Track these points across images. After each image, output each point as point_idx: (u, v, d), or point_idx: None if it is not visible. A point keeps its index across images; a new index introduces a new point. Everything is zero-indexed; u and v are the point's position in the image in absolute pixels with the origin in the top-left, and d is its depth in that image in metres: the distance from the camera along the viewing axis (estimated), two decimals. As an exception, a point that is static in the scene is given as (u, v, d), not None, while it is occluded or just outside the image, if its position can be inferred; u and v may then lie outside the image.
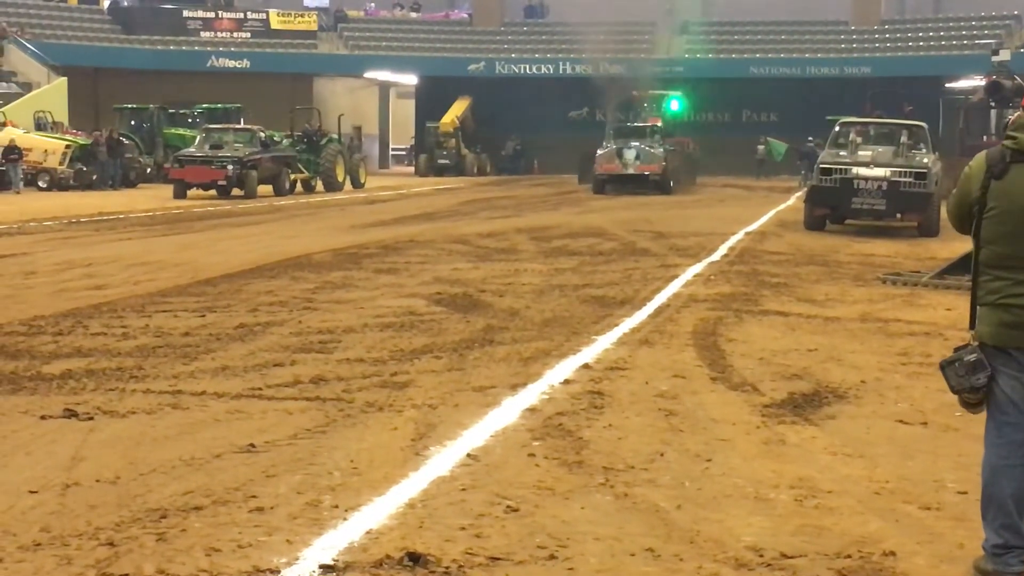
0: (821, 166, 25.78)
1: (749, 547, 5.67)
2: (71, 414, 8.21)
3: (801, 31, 70.08)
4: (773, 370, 10.03)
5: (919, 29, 69.93)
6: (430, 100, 65.44)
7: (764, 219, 29.53)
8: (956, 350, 5.27)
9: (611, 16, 69.53)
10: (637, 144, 43.29)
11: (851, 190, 24.82)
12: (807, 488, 6.64)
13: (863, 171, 24.83)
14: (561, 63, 64.14)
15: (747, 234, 24.52)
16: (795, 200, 35.21)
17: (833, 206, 25.49)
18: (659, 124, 48.58)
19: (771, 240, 23.23)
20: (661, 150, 43.51)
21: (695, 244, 21.65)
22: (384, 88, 72.15)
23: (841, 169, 25.08)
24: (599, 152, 43.87)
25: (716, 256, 19.58)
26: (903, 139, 26.18)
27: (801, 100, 58.33)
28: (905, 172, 24.73)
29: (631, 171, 42.46)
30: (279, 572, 5.24)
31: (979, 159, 5.33)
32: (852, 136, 26.70)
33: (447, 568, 5.34)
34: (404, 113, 73.00)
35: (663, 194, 41.37)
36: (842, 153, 26.03)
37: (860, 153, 25.78)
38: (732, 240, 22.74)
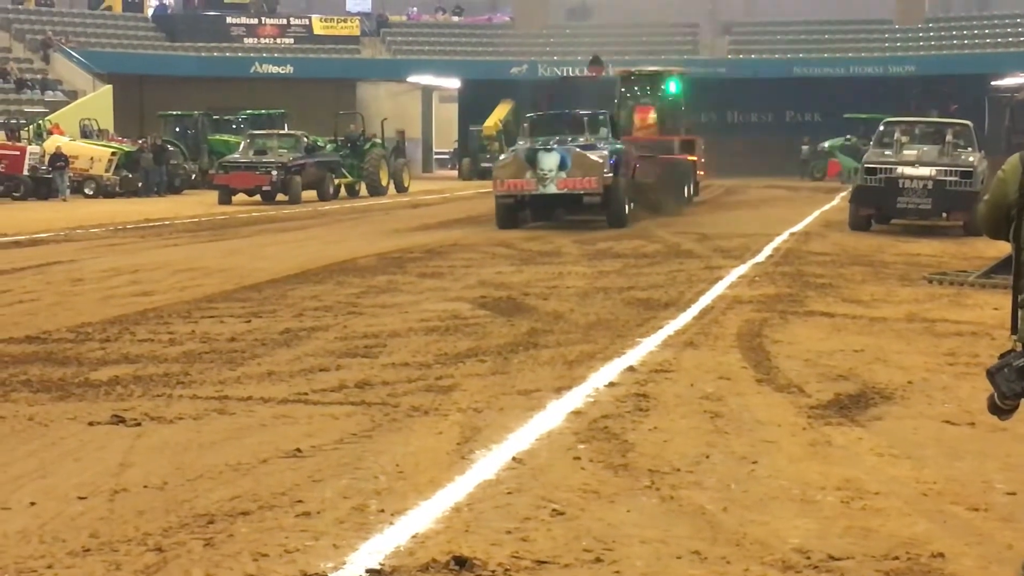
0: (866, 166, 25.66)
1: (796, 549, 5.65)
2: (119, 420, 8.26)
3: (844, 30, 69.87)
4: (819, 371, 9.99)
5: (964, 27, 69.65)
6: (473, 103, 65.41)
7: (809, 220, 29.41)
8: (1001, 356, 5.20)
9: (654, 17, 69.63)
10: (562, 146, 26.29)
11: (896, 190, 24.68)
12: (854, 490, 6.61)
13: (908, 170, 24.69)
14: (615, 64, 64.11)
15: (792, 235, 24.42)
16: (840, 200, 35.03)
17: (878, 206, 25.36)
18: (651, 113, 40.45)
19: (816, 241, 23.14)
20: (606, 152, 26.21)
21: (739, 245, 21.58)
22: (427, 92, 72.27)
23: (886, 169, 24.95)
24: (499, 159, 28.88)
25: (761, 257, 19.51)
26: (948, 138, 25.97)
27: (845, 100, 57.99)
28: (950, 171, 24.57)
29: (551, 189, 25.64)
30: (324, 576, 5.27)
31: (1013, 162, 5.24)
32: (897, 135, 26.52)
33: (493, 572, 5.34)
34: (447, 117, 73.12)
35: (614, 225, 26.03)
36: (887, 152, 25.88)
37: (905, 152, 25.62)
38: (777, 241, 22.66)
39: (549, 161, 25.84)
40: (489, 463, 7.12)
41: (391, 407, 8.66)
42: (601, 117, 28.90)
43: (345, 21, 71.69)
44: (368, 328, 12.21)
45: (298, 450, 7.42)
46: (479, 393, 9.12)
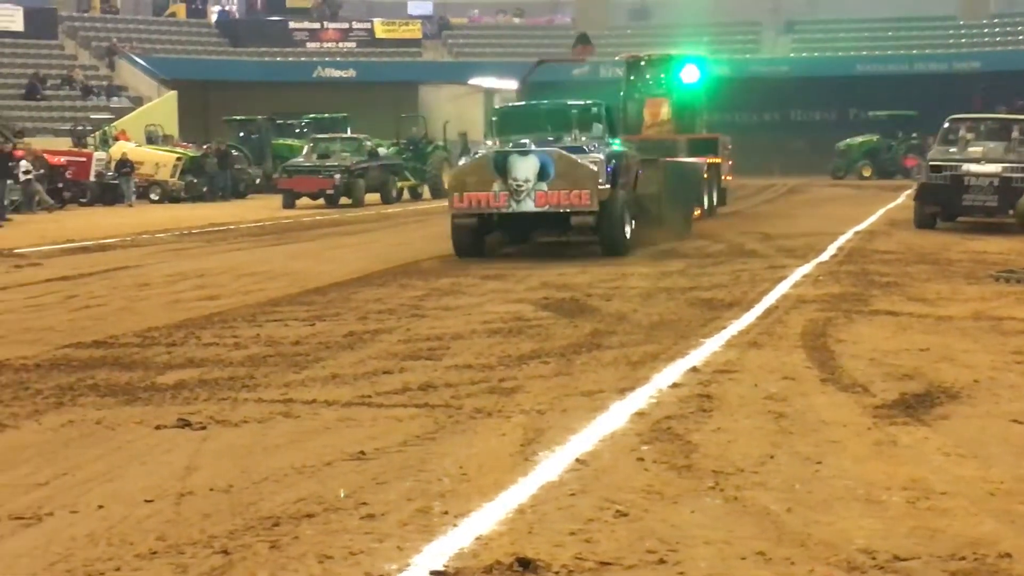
0: (931, 163, 25.49)
1: (861, 549, 5.62)
2: (185, 424, 8.32)
3: (908, 27, 69.41)
4: (884, 370, 9.92)
5: (1030, 22, 68.94)
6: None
7: (874, 218, 29.23)
8: None
9: (715, 16, 69.39)
10: (543, 147, 19.87)
11: (962, 187, 24.50)
12: (920, 489, 6.57)
13: (974, 168, 24.50)
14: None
15: (856, 233, 24.27)
16: (905, 199, 34.78)
17: (943, 204, 25.17)
18: (665, 106, 32.83)
19: (881, 239, 22.99)
20: (602, 156, 19.77)
21: (803, 245, 21.46)
22: (488, 94, 72.34)
23: (951, 166, 24.77)
24: (459, 164, 23.70)
25: (825, 256, 19.40)
26: (1015, 134, 25.74)
27: (909, 97, 57.56)
28: (1017, 168, 24.36)
29: (527, 206, 19.36)
30: (389, 578, 5.28)
31: None
32: (962, 132, 26.32)
33: (556, 573, 5.34)
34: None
35: (611, 253, 19.92)
36: (952, 150, 25.69)
37: (970, 149, 25.41)
38: (841, 240, 22.52)
39: (524, 168, 19.12)
40: (552, 465, 7.12)
41: (454, 409, 8.68)
42: (595, 109, 21.59)
43: (407, 24, 71.91)
44: (431, 330, 12.24)
45: (362, 452, 7.45)
46: (542, 395, 9.12)
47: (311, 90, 63.19)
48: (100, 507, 6.42)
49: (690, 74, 33.00)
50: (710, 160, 30.45)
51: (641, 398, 8.93)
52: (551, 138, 20.62)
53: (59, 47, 62.14)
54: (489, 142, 21.42)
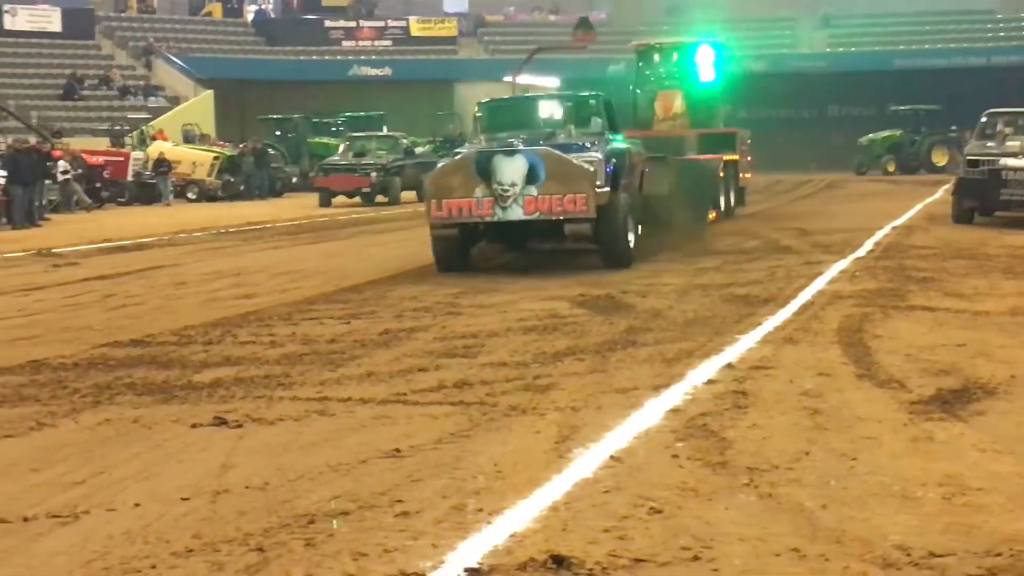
0: (968, 158, 25.35)
1: (896, 546, 5.60)
2: (221, 422, 8.36)
3: (946, 21, 69.10)
4: (920, 366, 9.87)
5: (1070, 14, 68.54)
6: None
7: (911, 213, 29.09)
8: None
9: (751, 11, 69.22)
10: (532, 146, 17.55)
11: (999, 181, 24.34)
12: (956, 485, 6.54)
13: (1011, 162, 24.32)
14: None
15: (893, 228, 24.16)
16: (943, 193, 34.61)
17: (981, 198, 25.01)
18: (678, 99, 30.13)
19: (918, 234, 22.88)
20: (599, 155, 17.47)
21: (840, 240, 21.38)
22: (524, 91, 72.36)
23: (989, 160, 24.63)
24: (437, 167, 18.33)
25: (861, 252, 19.32)
26: (1054, 128, 25.59)
27: (947, 91, 57.23)
28: (1056, 162, 24.18)
29: (514, 213, 17.16)
30: (420, 574, 5.29)
31: None
32: (1000, 126, 26.15)
33: (591, 570, 5.34)
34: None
35: (612, 264, 17.79)
36: (989, 144, 25.52)
37: (1008, 143, 25.22)
38: (878, 235, 22.40)
39: (511, 170, 16.90)
40: (587, 462, 7.12)
41: (489, 406, 8.68)
42: (593, 102, 19.53)
43: (442, 22, 72.03)
44: (467, 328, 12.25)
45: (397, 450, 7.47)
46: (577, 392, 9.12)
47: (347, 88, 63.33)
48: (136, 505, 6.46)
49: (705, 62, 30.12)
50: (727, 157, 28.26)
51: (676, 395, 8.92)
52: (543, 135, 18.42)
53: (96, 47, 62.47)
54: (473, 141, 19.12)
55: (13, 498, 6.66)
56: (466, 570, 5.36)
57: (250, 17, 72.81)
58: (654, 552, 5.57)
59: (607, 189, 17.09)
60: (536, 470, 6.95)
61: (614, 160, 17.76)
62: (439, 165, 18.10)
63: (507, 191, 16.92)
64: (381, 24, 71.33)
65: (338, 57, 68.37)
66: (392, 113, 54.01)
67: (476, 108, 19.99)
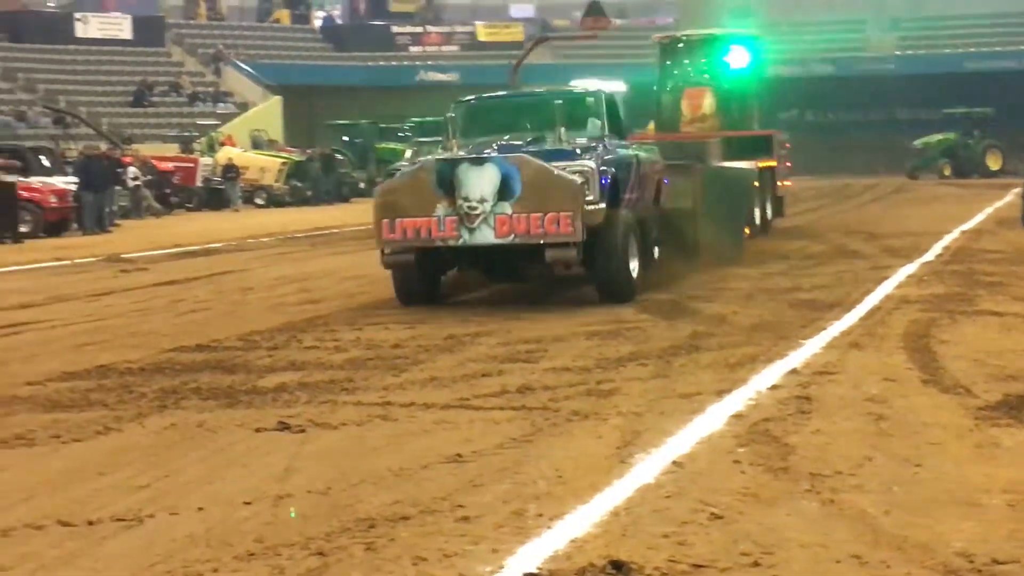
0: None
1: (959, 553, 5.55)
2: (284, 427, 8.41)
3: (1018, 22, 68.34)
4: (987, 371, 9.78)
5: None
6: (638, 107, 65.29)
7: (980, 217, 28.80)
8: None
9: (820, 14, 68.85)
10: (501, 156, 14.40)
11: None
12: (1021, 492, 6.46)
13: None
14: (772, 64, 63.34)
15: (962, 232, 23.94)
16: (1013, 197, 34.24)
17: (1050, 202, 24.65)
18: (708, 97, 26.99)
19: (987, 238, 22.65)
20: (591, 166, 14.28)
21: (908, 244, 21.21)
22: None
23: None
24: (390, 179, 15.58)
25: (930, 256, 19.16)
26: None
27: (1020, 94, 56.53)
28: None
29: (483, 236, 13.97)
30: (482, 580, 5.31)
31: None
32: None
33: (650, 576, 5.34)
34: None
35: (609, 298, 14.52)
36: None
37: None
38: (947, 239, 22.21)
39: (479, 182, 13.88)
40: (648, 467, 7.11)
41: (552, 411, 8.68)
42: (590, 100, 16.58)
43: (509, 27, 72.11)
44: (530, 333, 12.26)
45: (459, 455, 7.48)
46: (639, 397, 9.11)
47: (414, 94, 63.46)
48: (200, 509, 6.51)
49: (738, 57, 26.80)
50: (762, 163, 24.80)
51: (739, 400, 8.89)
52: (527, 141, 15.34)
53: (166, 54, 63.01)
54: (446, 148, 15.59)
55: (79, 501, 6.73)
56: (526, 575, 5.36)
57: (318, 23, 73.24)
58: (714, 558, 5.54)
59: (601, 206, 14.07)
60: (597, 475, 6.94)
61: (612, 170, 14.69)
62: (397, 174, 15.12)
63: (475, 208, 13.80)
64: (448, 30, 71.55)
65: (405, 63, 68.61)
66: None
67: (451, 108, 16.45)
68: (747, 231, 21.94)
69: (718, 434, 7.92)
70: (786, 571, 5.40)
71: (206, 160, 44.14)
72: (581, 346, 11.46)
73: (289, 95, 58.98)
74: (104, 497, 6.82)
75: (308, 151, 49.01)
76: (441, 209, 13.91)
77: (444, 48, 70.46)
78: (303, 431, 8.31)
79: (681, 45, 28.27)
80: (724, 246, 18.95)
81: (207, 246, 25.81)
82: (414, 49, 70.29)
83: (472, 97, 17.48)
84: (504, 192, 13.78)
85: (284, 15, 71.37)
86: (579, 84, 18.93)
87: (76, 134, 45.17)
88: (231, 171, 42.75)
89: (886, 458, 7.25)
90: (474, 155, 14.39)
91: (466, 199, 13.83)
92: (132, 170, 37.06)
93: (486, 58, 68.67)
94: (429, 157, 15.49)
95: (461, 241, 14.00)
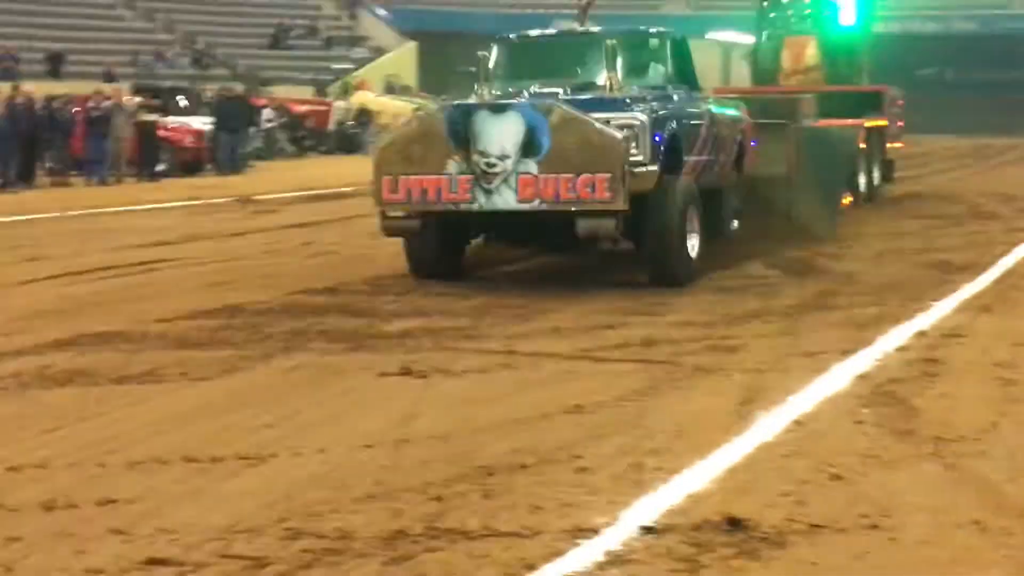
0: None
1: (1084, 523, 5.45)
2: (407, 372, 8.47)
3: None
4: (1122, 338, 9.59)
5: None
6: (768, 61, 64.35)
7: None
8: None
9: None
10: (527, 103, 12.36)
11: None
12: None
13: None
14: (909, 20, 62.17)
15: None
16: None
17: None
18: (811, 47, 24.15)
19: None
20: (641, 119, 12.08)
21: (1047, 206, 20.78)
22: (726, 48, 71.54)
23: None
24: (395, 132, 13.79)
25: (1068, 219, 18.77)
26: None
27: None
28: None
29: (503, 200, 11.83)
30: (599, 532, 5.30)
31: None
32: None
33: (766, 534, 5.29)
34: (744, 75, 72.20)
35: (660, 280, 12.28)
36: None
37: None
38: (1087, 202, 21.73)
39: (500, 135, 11.85)
40: (769, 425, 7.07)
41: (674, 366, 8.66)
42: (653, 42, 14.27)
43: (643, -23, 71.57)
44: (657, 285, 12.18)
45: (579, 406, 7.49)
46: (763, 354, 9.06)
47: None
48: (321, 450, 6.60)
49: (847, 3, 24.06)
50: (870, 123, 21.99)
51: (865, 360, 8.79)
52: (573, 87, 13.13)
53: (304, -2, 63.42)
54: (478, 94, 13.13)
55: (204, 438, 6.85)
56: (641, 528, 5.36)
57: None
58: (832, 518, 5.49)
59: (652, 169, 12.03)
60: (717, 431, 6.91)
61: (672, 126, 12.68)
62: (401, 122, 13.67)
63: (494, 166, 11.76)
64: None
65: (540, 11, 68.40)
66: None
67: (492, 45, 14.38)
68: (847, 200, 19.40)
69: (842, 394, 7.85)
70: (905, 535, 5.34)
71: (340, 104, 44.42)
72: (706, 300, 11.41)
73: (424, 41, 59.09)
74: (228, 435, 6.94)
75: (442, 98, 49.15)
76: (454, 166, 11.85)
77: (579, -2, 70.17)
78: (425, 377, 8.37)
79: None
80: (816, 219, 16.39)
81: (338, 190, 26.05)
82: (550, -2, 70.11)
83: (513, 34, 14.95)
84: (530, 147, 11.68)
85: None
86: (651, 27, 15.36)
87: (213, 75, 45.68)
88: (364, 116, 42.97)
89: (1012, 424, 7.13)
90: (494, 102, 12.40)
91: (483, 154, 11.75)
92: (267, 112, 37.42)
93: (622, 8, 68.32)
94: (444, 106, 13.01)
95: (476, 205, 11.88)
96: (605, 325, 10.20)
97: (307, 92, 47.86)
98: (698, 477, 6.07)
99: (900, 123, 24.54)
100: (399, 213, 12.43)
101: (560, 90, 12.87)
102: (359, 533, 5.27)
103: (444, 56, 62.74)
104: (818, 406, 7.54)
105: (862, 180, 21.44)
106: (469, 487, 5.94)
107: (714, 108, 14.53)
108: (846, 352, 9.04)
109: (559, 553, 5.03)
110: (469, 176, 11.82)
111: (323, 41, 58.23)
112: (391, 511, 5.60)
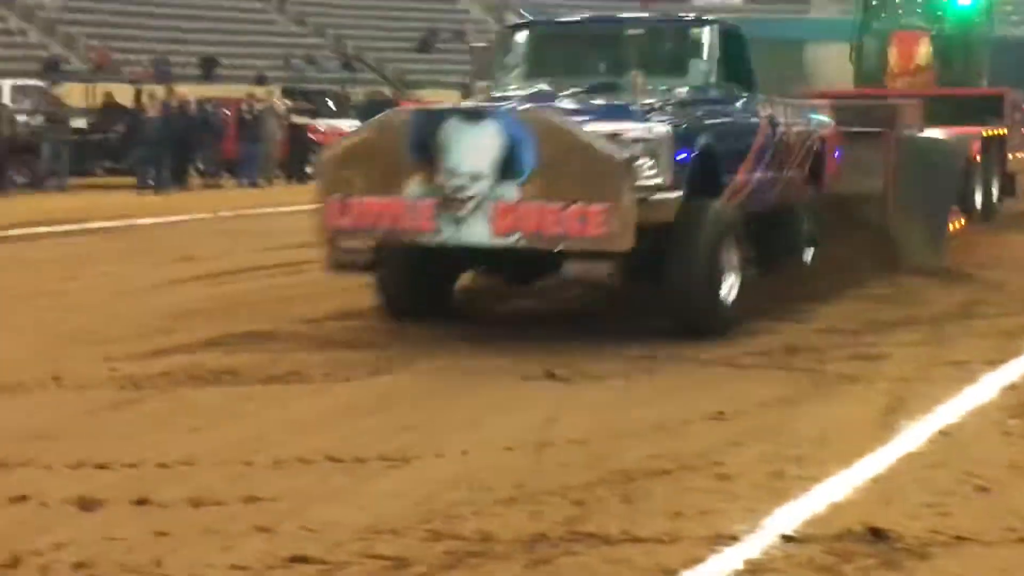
0: None
1: None
2: (550, 375, 8.48)
3: None
4: None
5: None
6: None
7: None
8: None
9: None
10: (507, 110, 9.77)
11: None
12: None
13: None
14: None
15: None
16: None
17: None
18: (923, 44, 20.61)
19: None
20: (662, 132, 9.48)
21: None
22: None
23: None
24: (347, 140, 10.64)
25: None
26: None
27: None
28: None
29: (475, 234, 9.31)
30: (739, 539, 5.27)
31: None
32: None
33: (909, 545, 5.22)
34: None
35: (683, 325, 9.81)
36: None
37: None
38: None
39: (473, 149, 9.41)
40: (913, 434, 6.99)
41: (817, 373, 8.60)
42: (695, 33, 11.55)
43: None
44: (801, 292, 12.00)
45: (721, 412, 7.46)
46: (908, 363, 8.94)
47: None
48: (464, 453, 6.65)
49: None
50: (988, 131, 17.98)
51: (1013, 371, 8.66)
52: (589, 87, 10.72)
53: (452, 1, 63.79)
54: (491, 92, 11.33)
55: (348, 439, 6.92)
56: (782, 537, 5.32)
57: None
58: (977, 531, 5.41)
59: (674, 195, 9.47)
60: (860, 440, 6.84)
61: (705, 139, 10.08)
62: (349, 131, 10.94)
63: (464, 189, 9.23)
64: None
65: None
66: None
67: (506, 32, 12.35)
68: (961, 222, 15.66)
69: (989, 404, 7.74)
70: (1052, 549, 5.24)
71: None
72: (851, 308, 11.25)
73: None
74: (372, 436, 7.01)
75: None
76: (415, 187, 9.31)
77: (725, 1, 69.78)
78: (568, 381, 8.37)
79: None
80: (919, 244, 13.53)
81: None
82: (697, 1, 69.80)
83: (524, 22, 12.56)
84: (509, 166, 9.12)
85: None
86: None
87: (362, 78, 46.15)
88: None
89: None
90: (467, 107, 10.31)
91: (452, 173, 9.21)
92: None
93: (768, 12, 67.86)
94: (403, 109, 11.20)
95: (441, 238, 9.36)
96: (748, 332, 10.08)
97: (454, 96, 48.16)
98: (840, 486, 6.01)
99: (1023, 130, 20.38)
100: (354, 243, 9.96)
101: (570, 91, 10.54)
102: (499, 536, 5.30)
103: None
104: (964, 416, 7.44)
105: (978, 196, 17.56)
106: (609, 492, 5.94)
107: (777, 113, 11.93)
108: (994, 362, 8.90)
109: (699, 560, 5.02)
110: (433, 201, 9.24)
111: (470, 45, 58.45)
112: (532, 514, 5.62)
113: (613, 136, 9.26)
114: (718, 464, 6.38)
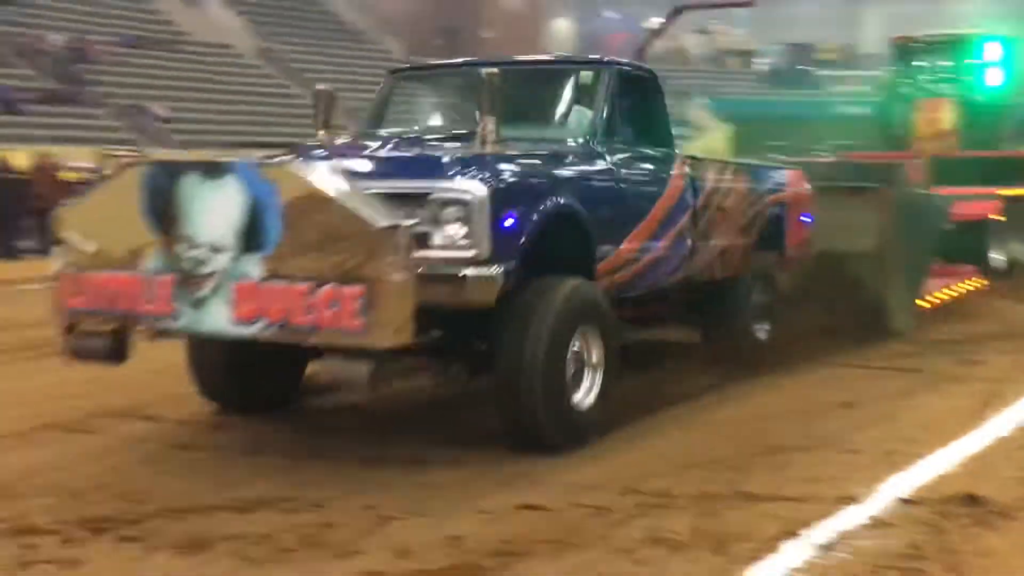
0: None
1: None
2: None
3: None
4: None
5: None
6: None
7: None
8: None
9: None
10: (258, 163, 5.50)
11: None
12: None
13: None
14: None
15: None
16: None
17: None
18: (947, 110, 17.12)
19: None
20: (474, 193, 5.46)
21: None
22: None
23: None
24: (81, 197, 6.00)
25: None
26: None
27: None
28: None
29: (213, 320, 5.31)
30: (862, 501, 5.14)
31: None
32: None
33: (1000, 509, 5.03)
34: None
35: (516, 441, 5.85)
36: None
37: None
38: None
39: (211, 212, 5.39)
40: (1004, 423, 6.73)
41: (927, 374, 8.36)
42: (584, 74, 7.34)
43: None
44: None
45: (848, 403, 7.31)
46: (1002, 367, 8.62)
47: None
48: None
49: (993, 61, 17.41)
50: (1007, 192, 14.40)
51: (1092, 375, 8.26)
52: (454, 137, 6.83)
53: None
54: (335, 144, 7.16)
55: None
56: (897, 499, 5.17)
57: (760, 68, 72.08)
58: (1056, 499, 5.18)
59: (493, 271, 5.53)
60: (960, 426, 6.61)
61: (557, 200, 6.12)
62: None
63: (203, 262, 5.47)
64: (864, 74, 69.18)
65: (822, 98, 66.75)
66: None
67: (387, 79, 7.94)
68: (980, 283, 12.38)
69: (1069, 401, 7.40)
70: (1118, 514, 4.99)
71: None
72: (955, 326, 10.74)
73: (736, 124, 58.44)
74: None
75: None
76: (153, 259, 5.61)
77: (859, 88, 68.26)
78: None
79: (915, 46, 18.29)
80: (898, 305, 10.26)
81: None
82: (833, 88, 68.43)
83: (406, 66, 9.09)
84: (253, 234, 5.35)
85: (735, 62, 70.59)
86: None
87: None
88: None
89: None
90: (206, 160, 5.78)
91: (191, 242, 5.51)
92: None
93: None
94: (136, 163, 6.19)
95: (179, 324, 5.60)
96: (870, 341, 9.73)
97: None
98: (943, 462, 5.83)
99: None
100: (92, 327, 5.90)
101: (426, 138, 7.03)
102: (675, 491, 5.26)
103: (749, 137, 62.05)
104: (1048, 410, 7.14)
105: (1002, 256, 14.35)
106: (761, 461, 5.86)
107: (704, 173, 7.98)
108: (1074, 367, 8.52)
109: (831, 515, 4.92)
110: (171, 277, 5.56)
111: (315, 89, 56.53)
112: (702, 478, 5.56)
113: (405, 196, 5.52)
114: (846, 442, 6.26)
